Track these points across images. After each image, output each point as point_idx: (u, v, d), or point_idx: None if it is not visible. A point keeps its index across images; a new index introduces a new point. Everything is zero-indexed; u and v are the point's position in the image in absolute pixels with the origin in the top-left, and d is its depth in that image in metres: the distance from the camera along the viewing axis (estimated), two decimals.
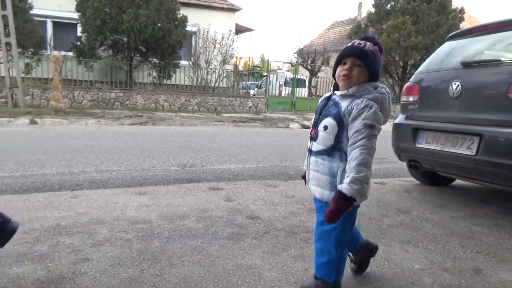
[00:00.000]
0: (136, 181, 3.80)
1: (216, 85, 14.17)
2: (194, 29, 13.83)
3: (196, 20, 14.17)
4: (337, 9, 79.27)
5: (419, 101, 3.40)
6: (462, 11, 15.53)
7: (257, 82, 18.71)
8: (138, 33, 11.14)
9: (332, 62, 23.78)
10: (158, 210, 2.84)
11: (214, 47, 14.02)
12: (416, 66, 16.42)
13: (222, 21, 15.22)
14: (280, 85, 17.64)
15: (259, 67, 20.29)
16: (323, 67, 23.84)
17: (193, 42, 13.86)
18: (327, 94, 1.67)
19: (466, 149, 2.83)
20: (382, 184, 4.11)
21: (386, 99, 1.54)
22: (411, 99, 3.52)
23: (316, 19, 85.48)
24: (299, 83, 17.60)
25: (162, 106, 12.70)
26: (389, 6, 15.58)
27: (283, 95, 17.05)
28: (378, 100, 1.51)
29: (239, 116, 12.08)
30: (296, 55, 27.44)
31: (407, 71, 16.77)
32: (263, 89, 17.25)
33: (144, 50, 12.82)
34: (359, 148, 1.44)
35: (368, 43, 1.56)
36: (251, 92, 16.77)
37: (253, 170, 4.57)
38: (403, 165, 4.15)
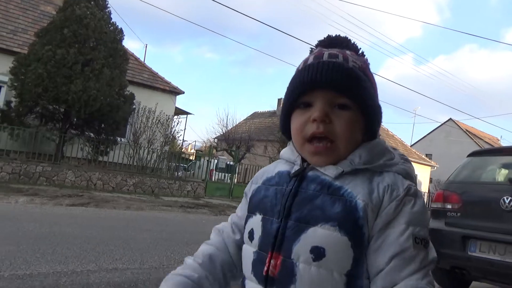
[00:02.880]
0: None
1: (155, 166, 13.51)
2: (137, 107, 13.42)
3: (139, 98, 13.84)
4: (257, 100, 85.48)
5: (463, 209, 3.63)
6: None
7: (184, 165, 18.35)
8: (84, 106, 10.37)
9: (256, 150, 24.74)
10: None
11: (157, 127, 13.64)
12: None
13: (164, 103, 15.10)
14: (211, 170, 17.54)
15: (201, 151, 20.08)
16: (246, 154, 24.62)
17: (134, 120, 13.32)
18: (280, 167, 0.83)
19: None
20: None
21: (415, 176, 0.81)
22: (450, 206, 3.74)
23: (238, 107, 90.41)
24: (231, 169, 17.74)
25: (95, 184, 11.50)
26: None
27: (213, 179, 16.89)
28: (413, 178, 0.77)
29: (184, 201, 11.47)
30: (216, 140, 28.10)
31: None
32: (191, 172, 16.91)
33: (80, 123, 11.88)
34: None
35: (348, 52, 0.78)
36: (179, 173, 16.32)
37: None
38: None
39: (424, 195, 24.52)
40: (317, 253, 0.67)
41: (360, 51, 0.81)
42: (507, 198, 3.31)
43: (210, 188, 14.35)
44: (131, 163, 13.08)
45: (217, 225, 0.89)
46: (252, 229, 0.78)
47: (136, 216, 7.57)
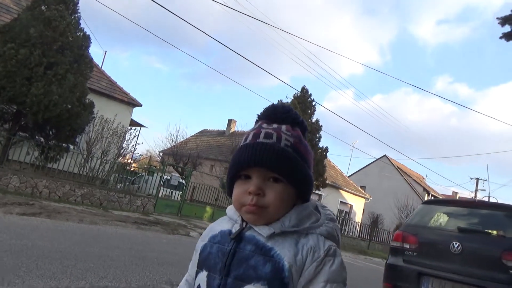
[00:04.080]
0: None
1: (106, 178, 13.17)
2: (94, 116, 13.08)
3: (95, 106, 13.53)
4: (205, 118, 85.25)
5: (419, 249, 4.28)
6: (326, 149, 19.11)
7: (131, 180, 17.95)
8: (44, 110, 10.00)
9: (203, 168, 24.68)
10: None
11: (112, 139, 13.38)
12: None
13: (121, 113, 14.86)
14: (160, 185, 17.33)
15: (155, 166, 19.66)
16: (194, 172, 24.58)
17: (90, 129, 12.94)
18: (223, 225, 0.94)
19: None
20: None
21: (339, 232, 0.92)
22: (407, 246, 4.38)
23: (188, 123, 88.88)
24: (179, 186, 17.69)
25: (41, 192, 10.97)
26: None
27: (160, 195, 16.70)
28: (335, 237, 0.88)
29: (136, 217, 11.32)
30: (161, 154, 27.72)
31: None
32: (136, 185, 16.59)
33: (31, 126, 11.36)
34: None
35: (283, 126, 0.89)
36: (134, 186, 15.96)
37: None
38: None
39: (358, 225, 26.10)
40: None
41: (297, 121, 0.91)
42: (455, 243, 4.00)
43: (160, 204, 14.23)
44: (81, 172, 12.64)
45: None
46: (199, 285, 0.87)
47: (97, 231, 7.45)
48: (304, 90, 19.06)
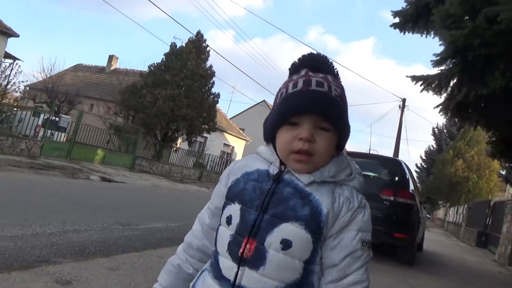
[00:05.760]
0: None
1: None
2: None
3: None
4: (85, 53, 74.21)
5: None
6: (218, 95, 19.83)
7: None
8: None
9: (84, 107, 23.08)
10: None
11: None
12: (177, 131, 19.13)
13: None
14: (37, 126, 15.94)
15: (41, 106, 17.41)
16: (72, 110, 22.75)
17: None
18: (259, 164, 0.95)
19: None
20: None
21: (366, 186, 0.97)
22: None
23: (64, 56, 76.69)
24: (59, 127, 16.55)
25: None
26: (168, 76, 17.83)
27: (38, 137, 15.47)
28: (365, 190, 0.95)
29: (29, 162, 10.64)
30: (28, 89, 24.67)
31: (168, 134, 19.22)
32: (7, 125, 14.96)
33: None
34: None
35: (330, 77, 0.91)
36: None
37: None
38: None
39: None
40: (286, 244, 0.83)
41: (336, 72, 0.94)
42: None
43: (48, 147, 13.37)
44: None
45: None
46: (230, 215, 0.90)
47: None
48: (199, 35, 19.08)
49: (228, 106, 77.20)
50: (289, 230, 0.84)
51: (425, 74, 5.43)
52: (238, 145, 31.97)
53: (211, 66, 19.45)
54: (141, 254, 3.42)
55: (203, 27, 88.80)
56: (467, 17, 4.25)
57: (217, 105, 20.37)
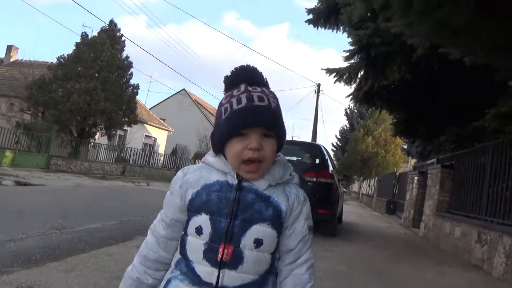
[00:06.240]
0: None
1: None
2: None
3: None
4: None
5: None
6: (137, 87, 19.22)
7: None
8: None
9: None
10: None
11: None
12: (95, 125, 18.22)
13: None
14: None
15: None
16: None
17: None
18: (216, 176, 1.05)
19: None
20: None
21: None
22: None
23: None
24: None
25: None
26: (80, 68, 16.77)
27: None
28: (299, 184, 1.12)
29: None
30: None
31: (86, 130, 18.27)
32: None
33: None
34: (307, 266, 1.05)
35: (266, 90, 1.04)
36: None
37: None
38: None
39: (162, 156, 27.92)
40: (258, 242, 0.98)
41: (266, 82, 1.07)
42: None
43: None
44: None
45: (151, 225, 1.09)
46: (200, 226, 0.99)
47: None
48: (112, 24, 18.19)
49: (146, 96, 74.23)
50: (259, 230, 0.98)
51: (337, 66, 6.10)
52: (160, 136, 31.32)
53: (127, 57, 18.74)
54: (89, 254, 3.49)
55: (112, 13, 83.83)
56: (370, 18, 4.91)
57: (136, 96, 19.75)
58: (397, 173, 17.69)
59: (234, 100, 0.99)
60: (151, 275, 1.04)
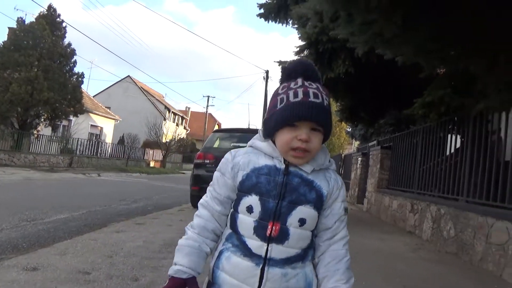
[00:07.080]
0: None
1: None
2: None
3: None
4: None
5: (215, 162, 6.49)
6: (82, 75, 18.57)
7: None
8: None
9: None
10: None
11: None
12: (38, 116, 17.46)
13: None
14: None
15: None
16: None
17: None
18: (264, 160, 1.14)
19: None
20: None
21: None
22: (207, 161, 6.54)
23: None
24: None
25: None
26: (19, 56, 15.87)
27: None
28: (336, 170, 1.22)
29: None
30: None
31: (28, 121, 17.47)
32: None
33: None
34: (343, 243, 1.17)
35: (320, 87, 1.11)
36: None
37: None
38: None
39: (109, 146, 27.24)
40: (302, 222, 1.09)
41: (320, 78, 1.16)
42: None
43: None
44: None
45: (200, 201, 1.21)
46: (250, 205, 1.10)
47: None
48: (51, 9, 17.34)
49: (87, 83, 70.56)
50: (303, 211, 1.08)
51: (288, 59, 6.64)
52: (106, 125, 30.40)
53: (70, 44, 18.04)
54: (74, 240, 3.74)
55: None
56: (318, 19, 5.47)
57: (81, 85, 19.12)
58: (343, 155, 18.77)
59: (291, 93, 1.07)
60: (208, 244, 1.14)
